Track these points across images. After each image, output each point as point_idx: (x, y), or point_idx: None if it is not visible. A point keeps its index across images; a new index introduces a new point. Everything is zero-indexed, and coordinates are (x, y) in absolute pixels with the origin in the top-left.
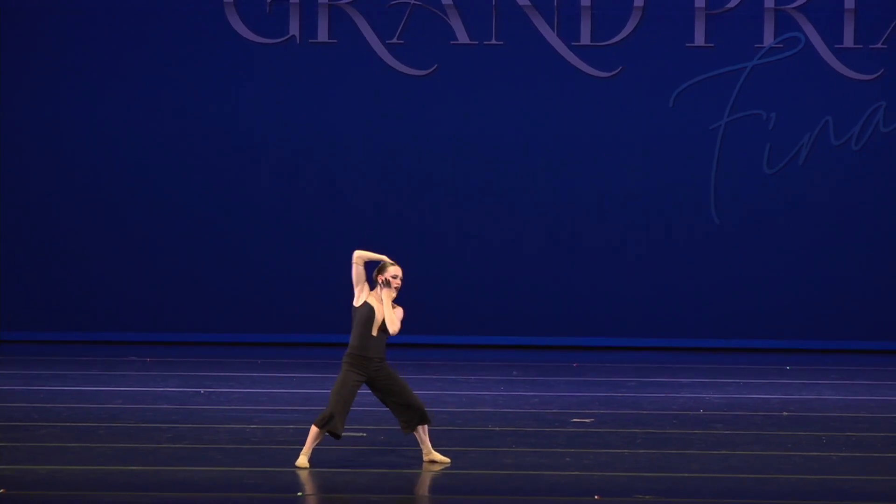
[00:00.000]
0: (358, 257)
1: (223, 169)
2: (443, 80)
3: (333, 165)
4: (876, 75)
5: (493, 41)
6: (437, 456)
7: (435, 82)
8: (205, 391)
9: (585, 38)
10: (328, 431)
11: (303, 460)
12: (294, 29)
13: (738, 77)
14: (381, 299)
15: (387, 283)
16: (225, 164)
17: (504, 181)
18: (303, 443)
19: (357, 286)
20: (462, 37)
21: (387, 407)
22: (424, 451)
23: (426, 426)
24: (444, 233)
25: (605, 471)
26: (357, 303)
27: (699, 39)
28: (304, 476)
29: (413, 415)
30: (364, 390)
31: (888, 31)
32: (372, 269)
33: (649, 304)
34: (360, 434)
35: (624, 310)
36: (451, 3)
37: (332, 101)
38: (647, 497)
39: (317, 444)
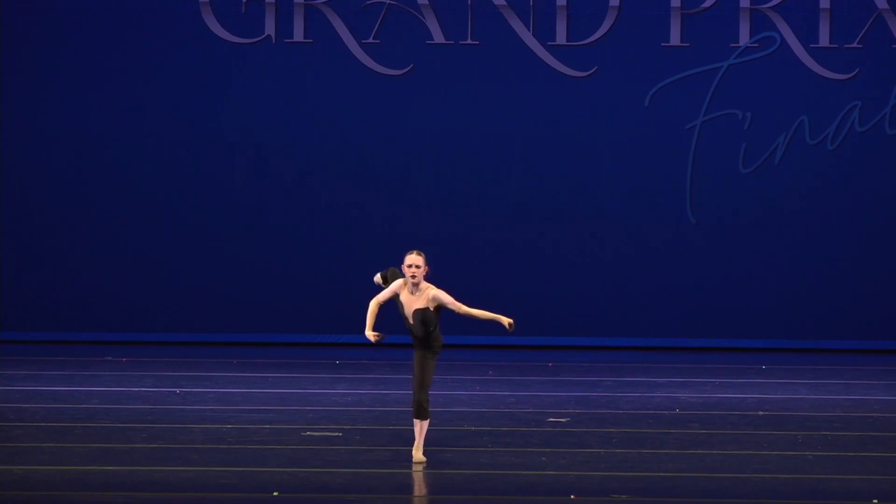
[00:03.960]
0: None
1: (199, 168)
2: (419, 80)
3: (309, 165)
4: (851, 75)
5: (469, 41)
6: (417, 456)
7: (411, 82)
8: (180, 391)
9: (561, 38)
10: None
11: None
12: (270, 29)
13: (714, 76)
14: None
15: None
16: (201, 164)
17: (479, 180)
18: (279, 442)
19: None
20: (438, 36)
21: None
22: (414, 446)
23: (423, 423)
24: (418, 232)
25: (581, 470)
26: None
27: (675, 39)
28: (280, 476)
29: (414, 403)
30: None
31: (863, 31)
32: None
33: (625, 304)
34: (336, 434)
35: (600, 309)
36: (426, 2)
37: (309, 101)
38: (622, 496)
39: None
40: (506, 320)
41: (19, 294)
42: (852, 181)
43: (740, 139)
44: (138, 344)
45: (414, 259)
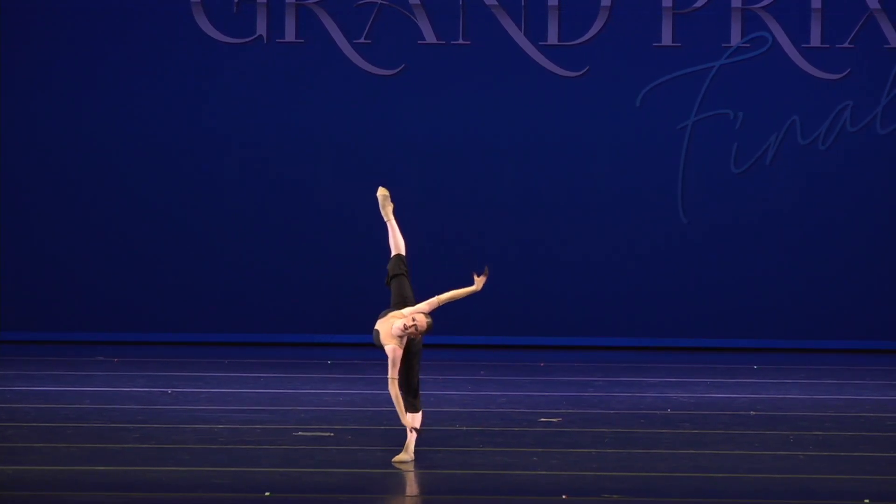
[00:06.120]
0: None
1: (191, 169)
2: (410, 80)
3: (301, 165)
4: (843, 75)
5: (461, 41)
6: (399, 456)
7: (402, 82)
8: (172, 391)
9: (553, 38)
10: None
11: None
12: (261, 29)
13: (706, 76)
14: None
15: (404, 329)
16: (193, 164)
17: (471, 181)
18: (271, 442)
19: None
20: (429, 36)
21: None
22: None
23: (414, 416)
24: (409, 232)
25: (572, 470)
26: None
27: (666, 39)
28: (271, 476)
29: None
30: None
31: (855, 31)
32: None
33: (617, 304)
34: (328, 434)
35: (592, 309)
36: (418, 2)
37: (300, 101)
38: (614, 496)
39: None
40: (472, 288)
41: (10, 294)
42: (844, 181)
43: (732, 139)
44: (130, 344)
45: (421, 321)
